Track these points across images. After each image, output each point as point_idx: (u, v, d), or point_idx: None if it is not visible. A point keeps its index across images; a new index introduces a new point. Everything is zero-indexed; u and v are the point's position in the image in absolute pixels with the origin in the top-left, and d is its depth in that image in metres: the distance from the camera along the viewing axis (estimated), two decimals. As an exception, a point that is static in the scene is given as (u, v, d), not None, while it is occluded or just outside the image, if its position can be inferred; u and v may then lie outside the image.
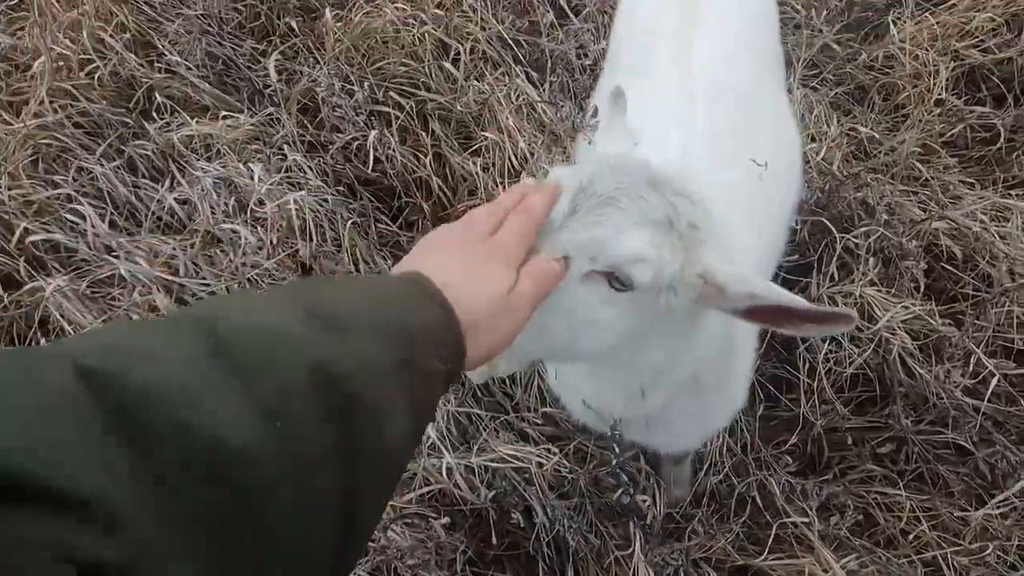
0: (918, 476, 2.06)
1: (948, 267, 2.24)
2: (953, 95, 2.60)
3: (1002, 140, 2.45)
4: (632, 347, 1.10)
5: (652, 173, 1.01)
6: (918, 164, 2.34)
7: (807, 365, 2.05)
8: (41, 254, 2.22)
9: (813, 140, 2.44)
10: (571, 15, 2.55)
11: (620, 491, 1.63)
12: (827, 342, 2.03)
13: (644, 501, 1.92)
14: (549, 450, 1.80)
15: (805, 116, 2.50)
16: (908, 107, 2.58)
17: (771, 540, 1.91)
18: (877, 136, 2.46)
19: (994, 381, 1.92)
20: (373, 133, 2.19)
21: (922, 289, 2.10)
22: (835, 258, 2.07)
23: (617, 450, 1.43)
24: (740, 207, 1.42)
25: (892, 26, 2.60)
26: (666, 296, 1.01)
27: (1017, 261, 2.08)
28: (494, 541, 1.81)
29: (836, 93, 2.65)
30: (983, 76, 2.59)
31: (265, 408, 0.57)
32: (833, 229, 2.07)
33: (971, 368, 2.05)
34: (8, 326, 2.19)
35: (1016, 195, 2.39)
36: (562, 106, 2.18)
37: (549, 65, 2.38)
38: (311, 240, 2.02)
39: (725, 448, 2.12)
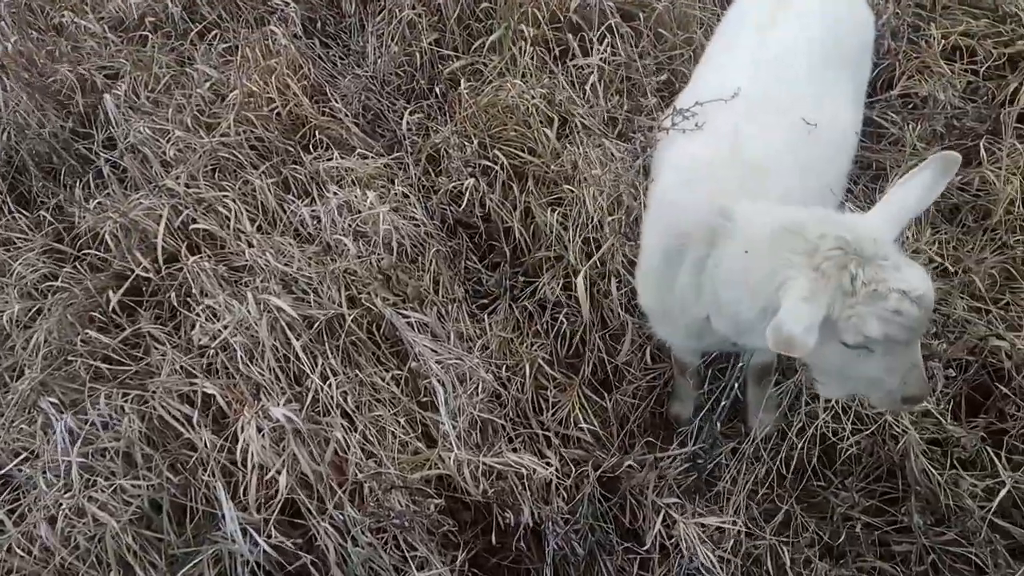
0: (929, 584, 2.02)
1: (1005, 389, 2.22)
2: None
3: (1089, 275, 2.40)
4: None
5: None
6: (980, 285, 2.35)
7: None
8: (199, 241, 2.75)
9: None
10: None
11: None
12: (825, 412, 2.08)
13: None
14: (546, 463, 1.99)
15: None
16: (999, 230, 2.59)
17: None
18: (950, 258, 2.50)
19: (1003, 491, 1.88)
20: (470, 181, 2.56)
21: (943, 392, 2.10)
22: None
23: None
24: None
25: (984, 152, 2.64)
26: None
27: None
28: (493, 540, 2.01)
29: (928, 209, 2.70)
30: (1085, 212, 2.55)
31: None
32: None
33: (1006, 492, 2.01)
34: (165, 294, 2.71)
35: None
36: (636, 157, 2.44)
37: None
38: (394, 254, 2.38)
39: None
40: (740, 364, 2.26)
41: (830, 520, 2.19)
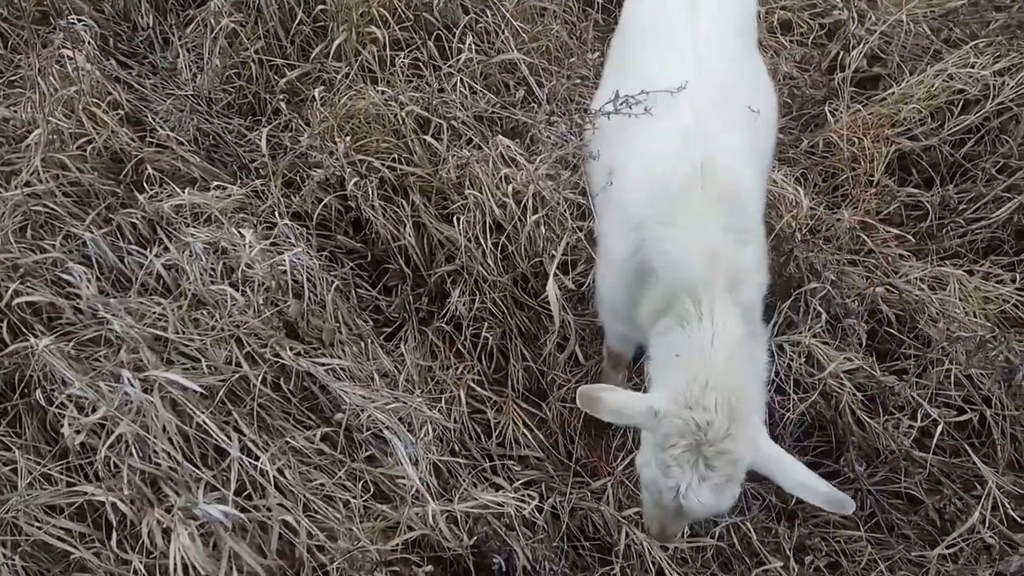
0: (875, 524, 2.17)
1: (890, 331, 2.43)
2: (889, 178, 2.85)
3: (931, 218, 2.69)
4: None
5: None
6: (864, 235, 2.55)
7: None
8: (25, 316, 2.26)
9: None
10: (539, 94, 2.77)
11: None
12: (772, 388, 2.17)
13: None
14: (528, 496, 1.87)
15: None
16: (847, 188, 2.82)
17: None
18: (820, 212, 2.68)
19: (939, 429, 2.06)
20: (351, 181, 2.33)
21: (863, 345, 2.26)
22: (781, 313, 2.24)
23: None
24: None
25: (830, 116, 2.87)
26: None
27: (954, 322, 2.27)
28: (476, 591, 1.86)
29: (783, 173, 2.89)
30: (913, 161, 2.86)
31: None
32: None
33: (919, 422, 2.20)
34: (-12, 389, 2.21)
35: (952, 264, 2.61)
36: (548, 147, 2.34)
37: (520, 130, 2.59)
38: (301, 299, 2.11)
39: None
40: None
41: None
